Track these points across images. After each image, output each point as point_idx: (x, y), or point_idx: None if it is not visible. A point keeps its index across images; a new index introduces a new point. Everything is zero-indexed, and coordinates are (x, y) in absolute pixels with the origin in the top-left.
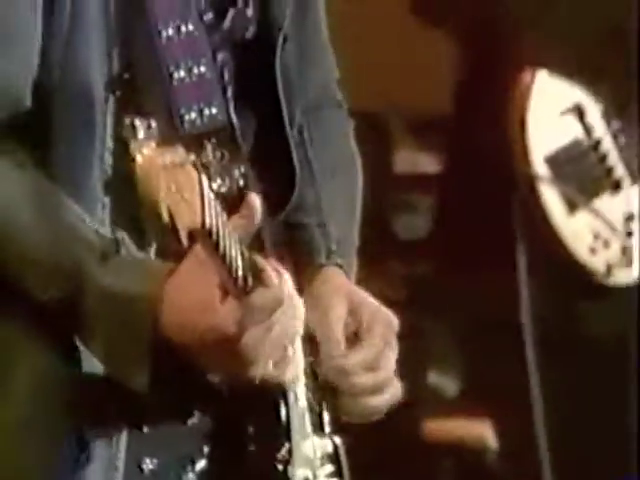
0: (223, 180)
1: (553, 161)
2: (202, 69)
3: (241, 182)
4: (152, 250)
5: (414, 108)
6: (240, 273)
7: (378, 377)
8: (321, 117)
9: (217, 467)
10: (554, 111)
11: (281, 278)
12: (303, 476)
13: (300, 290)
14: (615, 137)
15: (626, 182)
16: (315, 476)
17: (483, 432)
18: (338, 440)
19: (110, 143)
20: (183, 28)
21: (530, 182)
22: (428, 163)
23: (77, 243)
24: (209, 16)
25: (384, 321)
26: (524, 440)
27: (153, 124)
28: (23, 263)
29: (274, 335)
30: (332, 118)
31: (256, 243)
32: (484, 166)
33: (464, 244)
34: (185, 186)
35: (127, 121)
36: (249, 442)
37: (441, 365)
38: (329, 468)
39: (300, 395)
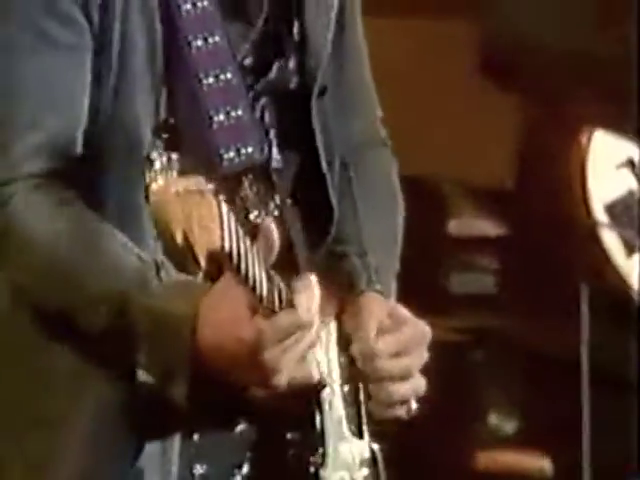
0: (259, 211)
1: (611, 209)
2: (239, 112)
3: (276, 213)
4: (200, 274)
5: (473, 172)
6: (265, 294)
7: (401, 364)
8: (365, 156)
9: (260, 471)
10: (610, 165)
11: (309, 298)
12: (338, 477)
13: (342, 312)
14: None
15: None
16: (352, 478)
17: (539, 465)
18: (376, 446)
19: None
20: (222, 76)
21: (592, 229)
22: (487, 225)
23: (121, 271)
24: (251, 66)
25: (417, 326)
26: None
27: (174, 157)
28: (78, 295)
29: (294, 351)
30: (375, 157)
31: (293, 271)
32: (544, 219)
33: (527, 293)
34: (202, 212)
35: (144, 154)
36: (288, 448)
37: (501, 406)
38: (366, 471)
39: (336, 405)
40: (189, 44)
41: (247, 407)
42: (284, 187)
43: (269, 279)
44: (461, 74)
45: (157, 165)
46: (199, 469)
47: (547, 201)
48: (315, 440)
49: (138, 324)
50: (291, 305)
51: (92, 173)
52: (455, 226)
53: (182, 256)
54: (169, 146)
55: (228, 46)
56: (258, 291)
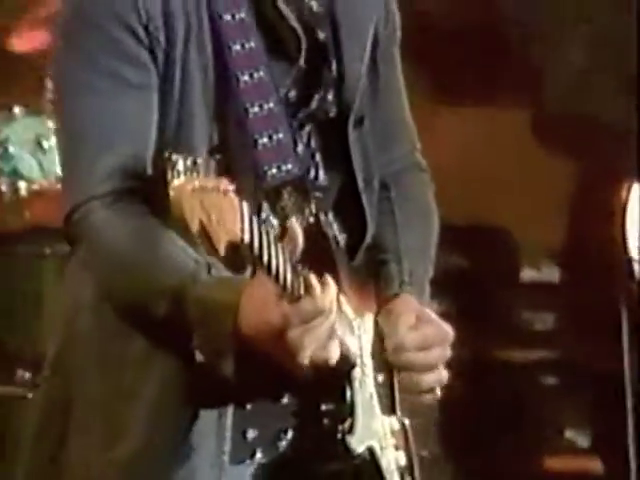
0: (297, 218)
1: None
2: (280, 136)
3: (311, 219)
4: (247, 272)
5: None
6: (289, 283)
7: (428, 357)
8: (404, 179)
9: (301, 437)
10: None
11: (328, 290)
12: (367, 445)
13: (379, 309)
14: None
15: None
16: (382, 447)
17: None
18: (406, 420)
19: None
20: (265, 106)
21: (630, 264)
22: (549, 271)
23: (178, 269)
24: (294, 98)
25: (440, 327)
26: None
27: (199, 161)
28: (144, 290)
29: (314, 332)
30: (414, 180)
31: (333, 274)
32: (594, 259)
33: (582, 324)
34: (223, 206)
35: (166, 154)
36: (323, 417)
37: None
38: (395, 441)
39: (368, 384)
40: (237, 79)
41: (290, 382)
42: (328, 201)
43: (294, 270)
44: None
45: (180, 166)
46: (251, 433)
47: (594, 244)
48: (345, 411)
49: (191, 311)
50: (311, 294)
51: (157, 190)
52: (525, 273)
53: (198, 244)
54: (221, 165)
55: (271, 80)
56: (281, 280)
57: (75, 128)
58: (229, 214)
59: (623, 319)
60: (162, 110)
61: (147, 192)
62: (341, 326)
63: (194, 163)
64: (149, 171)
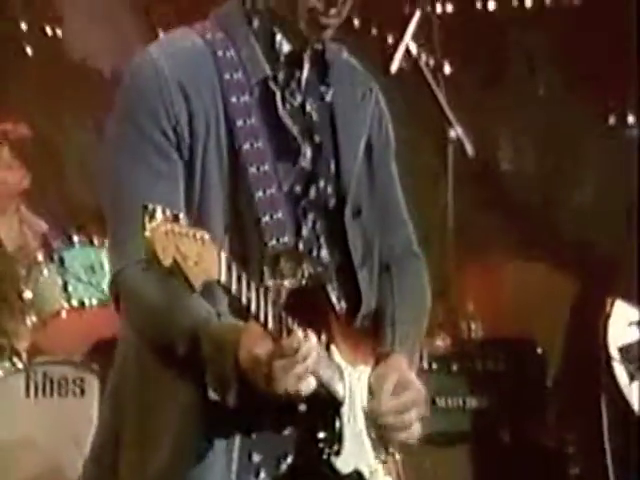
0: (291, 279)
1: (622, 350)
2: (279, 215)
3: (304, 282)
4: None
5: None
6: (270, 324)
7: (404, 419)
8: (403, 264)
9: (300, 459)
10: (625, 323)
11: (308, 337)
12: (353, 468)
13: (377, 362)
14: None
15: None
16: (371, 472)
17: None
18: (397, 455)
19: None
20: (268, 192)
21: (608, 362)
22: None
23: (194, 317)
24: (298, 190)
25: (417, 391)
26: None
27: (181, 216)
28: (168, 333)
29: (291, 367)
30: (411, 265)
31: (325, 328)
32: (586, 353)
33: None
34: (198, 251)
35: (143, 205)
36: (318, 444)
37: None
38: (385, 470)
39: (358, 421)
40: (246, 170)
41: (290, 418)
42: (330, 274)
43: (278, 316)
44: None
45: (159, 217)
46: (256, 457)
47: (584, 346)
48: (334, 438)
49: (204, 348)
50: (292, 336)
51: None
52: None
53: (175, 278)
54: (233, 241)
55: (274, 173)
56: (262, 320)
57: (117, 209)
58: (207, 258)
59: (603, 408)
60: (186, 194)
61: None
62: (327, 369)
63: (175, 216)
64: None
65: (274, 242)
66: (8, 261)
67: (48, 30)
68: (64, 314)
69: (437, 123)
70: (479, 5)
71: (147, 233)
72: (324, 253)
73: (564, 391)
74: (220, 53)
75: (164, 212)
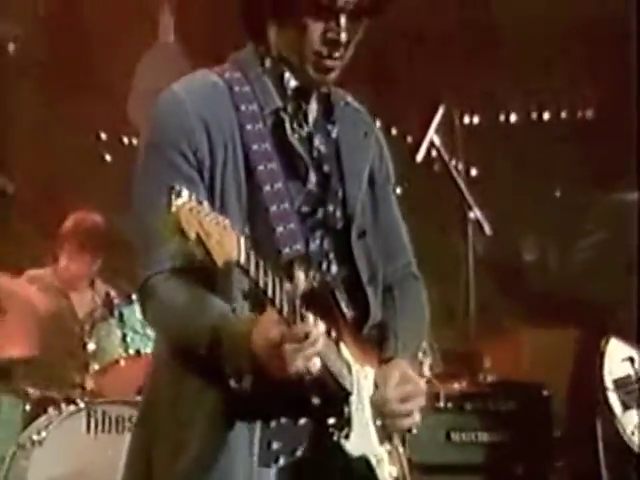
0: (301, 274)
1: (616, 382)
2: (292, 226)
3: (314, 283)
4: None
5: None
6: (285, 309)
7: (406, 407)
8: (405, 284)
9: (314, 446)
10: (618, 358)
11: (317, 324)
12: (361, 453)
13: (380, 365)
14: None
15: None
16: (377, 460)
17: None
18: (401, 449)
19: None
20: (282, 206)
21: (604, 393)
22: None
23: (214, 315)
24: (306, 210)
25: (417, 385)
26: None
27: (205, 203)
28: (190, 331)
29: (302, 349)
30: (411, 286)
31: (334, 324)
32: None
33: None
34: (220, 233)
35: (174, 186)
36: (329, 429)
37: None
38: (390, 460)
39: (365, 412)
40: (261, 189)
41: (305, 409)
42: (339, 285)
43: (292, 302)
44: None
45: (184, 195)
46: (275, 445)
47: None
48: (344, 424)
49: (223, 343)
50: (304, 322)
51: (204, 271)
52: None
53: (196, 255)
54: (253, 248)
55: (286, 190)
56: (277, 304)
57: (142, 226)
58: (228, 240)
59: (599, 435)
60: None
61: (191, 269)
62: (337, 362)
63: (199, 201)
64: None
65: (287, 250)
66: (78, 325)
67: (125, 140)
68: (122, 362)
69: (458, 206)
70: (502, 117)
71: (173, 208)
72: (334, 268)
73: (569, 429)
74: (237, 89)
75: (190, 195)
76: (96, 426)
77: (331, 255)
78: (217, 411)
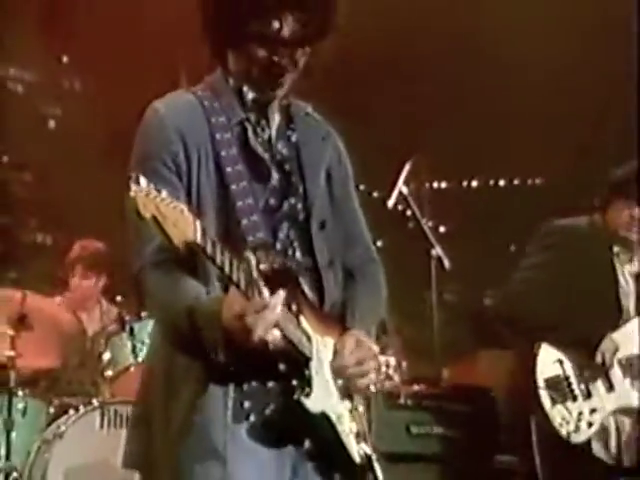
0: (265, 263)
1: (547, 382)
2: (255, 218)
3: (275, 265)
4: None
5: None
6: (242, 285)
7: (362, 369)
8: (364, 268)
9: (281, 405)
10: (549, 361)
11: (276, 297)
12: (321, 410)
13: (341, 333)
14: (579, 374)
15: (580, 396)
16: (338, 417)
17: None
18: (360, 407)
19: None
20: (246, 201)
21: (536, 390)
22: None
23: (190, 297)
24: (272, 204)
25: (370, 348)
26: None
27: (164, 192)
28: (171, 312)
29: (262, 319)
30: (370, 269)
31: (295, 301)
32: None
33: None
34: (177, 216)
35: (132, 175)
36: (293, 390)
37: None
38: (351, 417)
39: (325, 375)
40: (229, 188)
41: (273, 374)
42: (303, 271)
43: (250, 279)
44: None
45: (143, 183)
46: (247, 404)
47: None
48: (305, 385)
49: (198, 321)
50: (261, 294)
51: (186, 263)
52: None
53: (147, 234)
54: (222, 239)
55: (251, 189)
56: (235, 279)
57: (134, 226)
58: (184, 223)
59: (533, 427)
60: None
61: (176, 260)
62: (296, 332)
63: (158, 190)
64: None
65: (251, 238)
66: (89, 342)
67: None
68: (132, 369)
69: (423, 245)
70: (465, 183)
71: (132, 194)
72: (298, 255)
73: (509, 425)
74: (207, 104)
75: (148, 184)
76: (109, 423)
77: (295, 244)
78: (200, 381)
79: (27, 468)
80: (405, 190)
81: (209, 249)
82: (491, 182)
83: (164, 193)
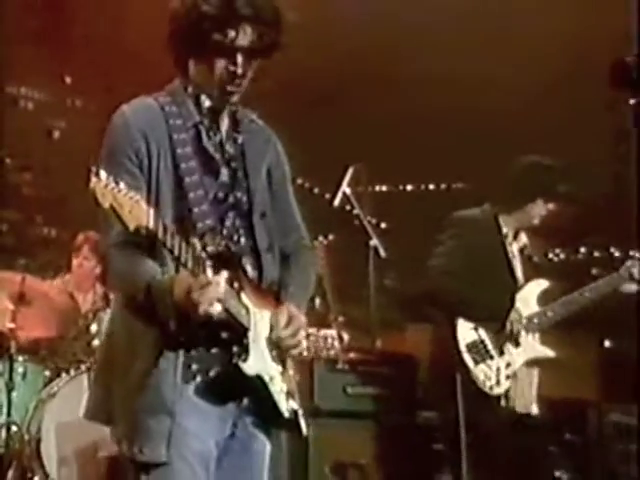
0: (212, 247)
1: (468, 346)
2: (204, 207)
3: (220, 248)
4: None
5: None
6: (190, 265)
7: (294, 339)
8: (298, 254)
9: (222, 369)
10: (467, 329)
11: (218, 275)
12: (256, 372)
13: (276, 307)
14: (491, 337)
15: (496, 355)
16: (270, 378)
17: None
18: (291, 371)
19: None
20: (198, 192)
21: (460, 354)
22: None
23: (147, 275)
24: (220, 197)
25: (300, 320)
26: None
27: (121, 185)
28: (132, 288)
29: (205, 294)
30: (302, 255)
31: (237, 281)
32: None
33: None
34: (132, 205)
35: (91, 168)
36: (232, 356)
37: None
38: (282, 379)
39: (261, 344)
40: (184, 180)
41: (216, 341)
42: (246, 254)
43: (196, 259)
44: None
45: (102, 175)
46: (194, 367)
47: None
48: (242, 351)
49: (154, 296)
50: (205, 273)
51: (147, 246)
52: None
53: (113, 219)
54: (177, 226)
55: (201, 182)
56: (183, 260)
57: (101, 213)
58: (139, 211)
59: (458, 386)
60: (147, 198)
61: (138, 243)
62: (237, 305)
63: (117, 182)
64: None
65: (201, 225)
66: (82, 319)
67: None
68: None
69: (362, 237)
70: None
71: (91, 185)
72: (242, 240)
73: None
74: (167, 109)
75: (107, 176)
76: None
77: (241, 231)
78: (154, 344)
79: (25, 423)
80: (348, 191)
81: (160, 233)
82: (422, 187)
83: (122, 185)
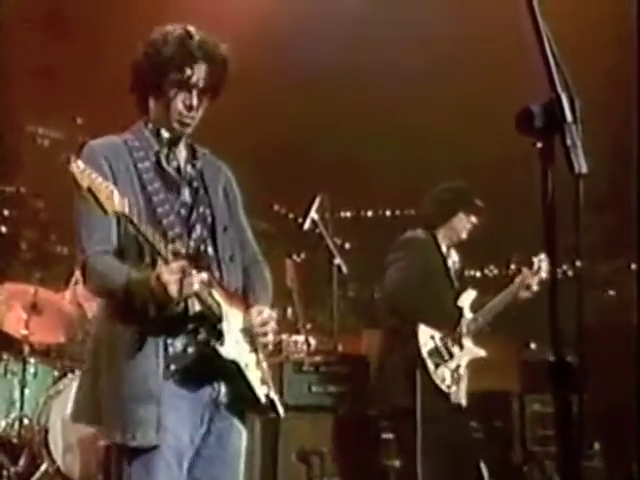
0: (181, 247)
1: (429, 352)
2: (171, 218)
3: (190, 251)
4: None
5: None
6: (163, 251)
7: (265, 329)
8: (254, 266)
9: (198, 350)
10: (426, 336)
11: (189, 265)
12: (232, 358)
13: (246, 309)
14: (443, 343)
15: (448, 359)
16: (246, 364)
17: None
18: (264, 361)
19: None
20: (165, 207)
21: (422, 360)
22: None
23: (126, 275)
24: (184, 213)
25: (270, 315)
26: None
27: (96, 174)
28: (113, 285)
29: (174, 276)
30: (258, 268)
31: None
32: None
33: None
34: (107, 193)
35: (72, 157)
36: (209, 340)
37: None
38: (256, 366)
39: (235, 333)
40: (151, 199)
41: (195, 327)
42: (213, 262)
43: (166, 247)
44: None
45: (81, 166)
46: (170, 345)
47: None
48: (218, 337)
49: (133, 288)
50: (177, 259)
51: (123, 253)
52: None
53: (90, 201)
54: (150, 229)
55: (166, 199)
56: (157, 247)
57: (79, 223)
58: (114, 199)
59: (418, 387)
60: (117, 218)
61: (114, 251)
62: (209, 298)
63: (92, 171)
64: (115, 243)
65: (171, 232)
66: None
67: None
68: None
69: (328, 256)
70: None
71: (71, 167)
72: (209, 250)
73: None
74: (130, 143)
75: (85, 166)
76: None
77: (208, 241)
78: (136, 340)
79: (35, 416)
80: (316, 217)
81: (135, 219)
82: (380, 212)
83: (98, 175)
